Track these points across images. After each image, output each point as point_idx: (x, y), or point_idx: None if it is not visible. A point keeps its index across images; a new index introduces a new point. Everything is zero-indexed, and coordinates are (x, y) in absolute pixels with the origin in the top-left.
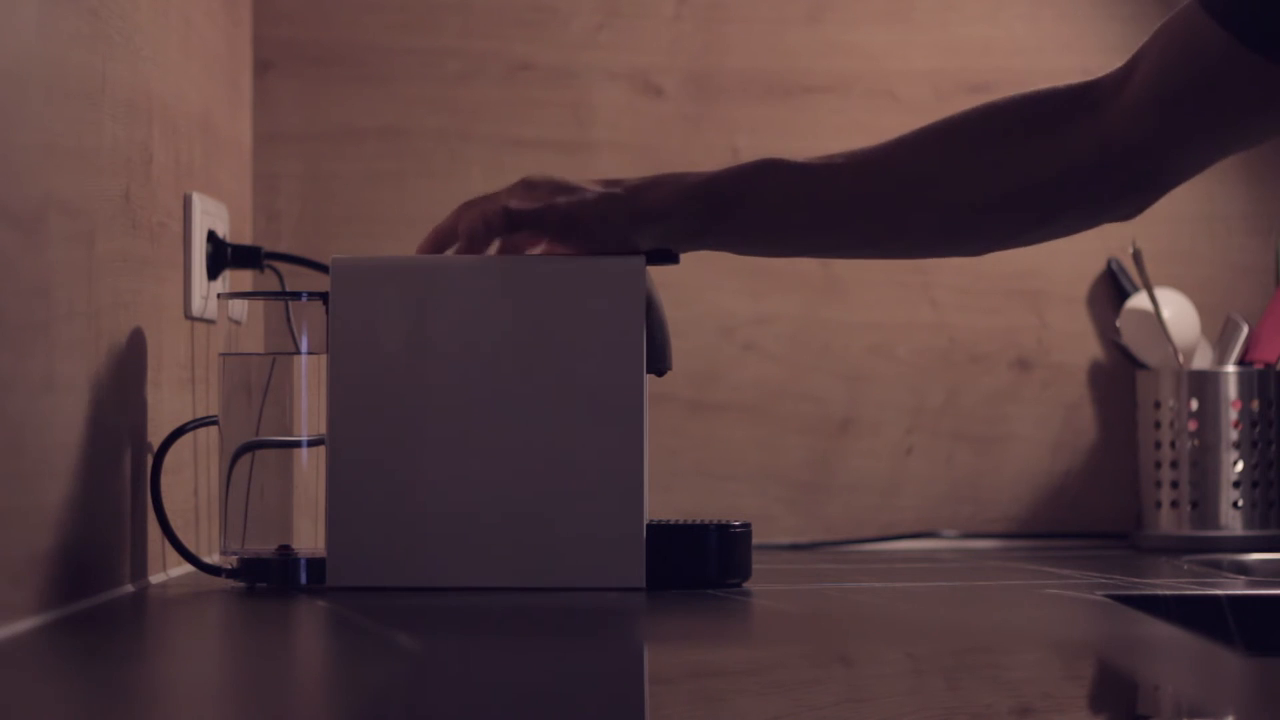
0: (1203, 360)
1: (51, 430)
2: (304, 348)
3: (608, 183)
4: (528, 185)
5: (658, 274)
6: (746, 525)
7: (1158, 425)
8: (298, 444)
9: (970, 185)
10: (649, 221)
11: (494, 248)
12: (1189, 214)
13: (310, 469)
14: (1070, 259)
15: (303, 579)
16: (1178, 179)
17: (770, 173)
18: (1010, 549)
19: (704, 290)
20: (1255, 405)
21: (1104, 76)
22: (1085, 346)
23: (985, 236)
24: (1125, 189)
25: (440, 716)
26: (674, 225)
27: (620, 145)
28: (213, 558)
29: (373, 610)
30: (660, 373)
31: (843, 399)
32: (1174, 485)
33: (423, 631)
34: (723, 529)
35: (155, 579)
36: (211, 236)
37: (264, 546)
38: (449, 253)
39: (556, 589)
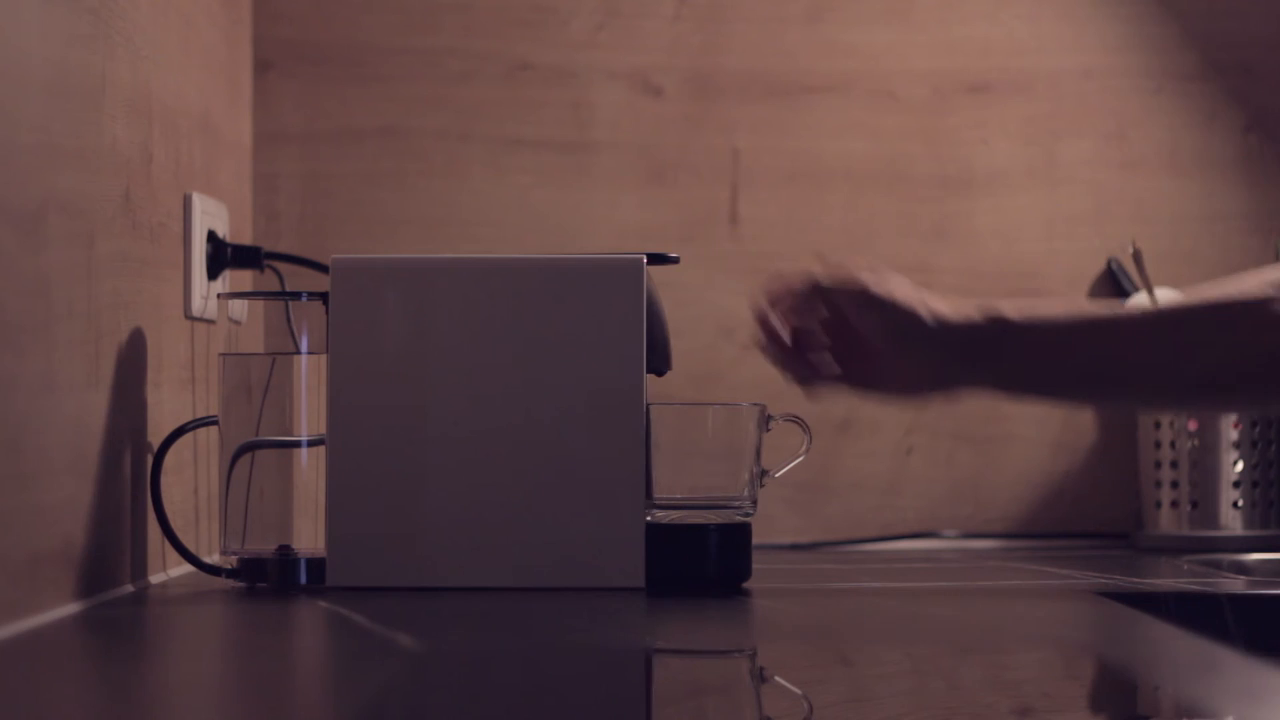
0: None
1: (51, 430)
2: (304, 348)
3: (934, 318)
4: (866, 301)
5: (658, 274)
6: (747, 525)
7: (1158, 425)
8: (298, 444)
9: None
10: (969, 375)
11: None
12: (1189, 214)
13: (310, 469)
14: (1070, 259)
15: (303, 579)
16: None
17: (1078, 317)
18: (1010, 549)
19: (704, 290)
20: None
21: None
22: None
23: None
24: None
25: (440, 716)
26: (995, 374)
27: (620, 145)
28: (213, 558)
29: (373, 610)
30: (660, 373)
31: (843, 399)
32: (1174, 485)
33: (423, 631)
34: (723, 529)
35: (155, 579)
36: (211, 236)
37: (264, 546)
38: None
39: (556, 589)
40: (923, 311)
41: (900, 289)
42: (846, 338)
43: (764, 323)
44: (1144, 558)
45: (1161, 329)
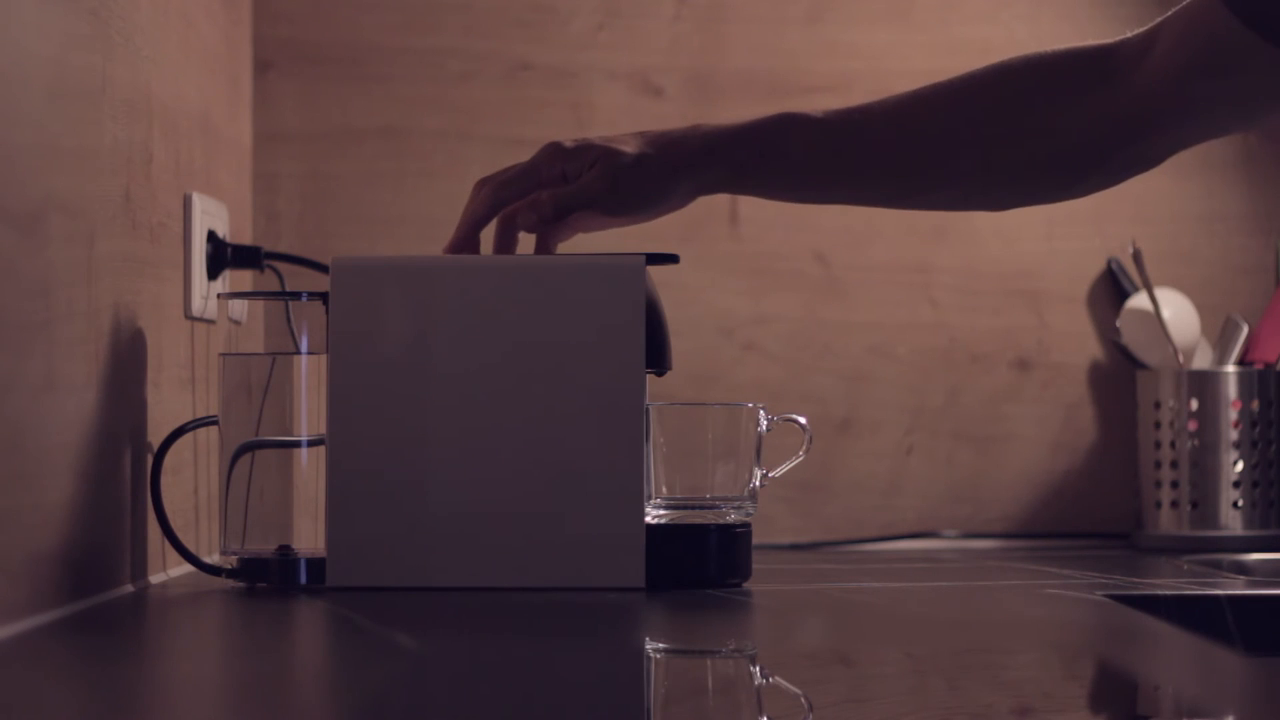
0: (1203, 360)
1: (51, 430)
2: (304, 348)
3: (640, 136)
4: (560, 153)
5: (658, 274)
6: (746, 525)
7: (1158, 425)
8: (298, 444)
9: (988, 151)
10: (681, 178)
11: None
12: (1189, 214)
13: (310, 469)
14: (1070, 259)
15: (303, 579)
16: (1173, 152)
17: (792, 128)
18: (1010, 549)
19: (704, 290)
20: (1255, 405)
21: (1121, 44)
22: (1085, 346)
23: (1004, 199)
24: (1133, 160)
25: (440, 716)
26: (704, 179)
27: None
28: (213, 558)
29: (373, 610)
30: (660, 373)
31: (843, 399)
32: (1174, 485)
33: (423, 631)
34: (723, 529)
35: (155, 579)
36: (211, 236)
37: (264, 546)
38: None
39: (556, 589)
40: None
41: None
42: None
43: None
44: (1144, 558)
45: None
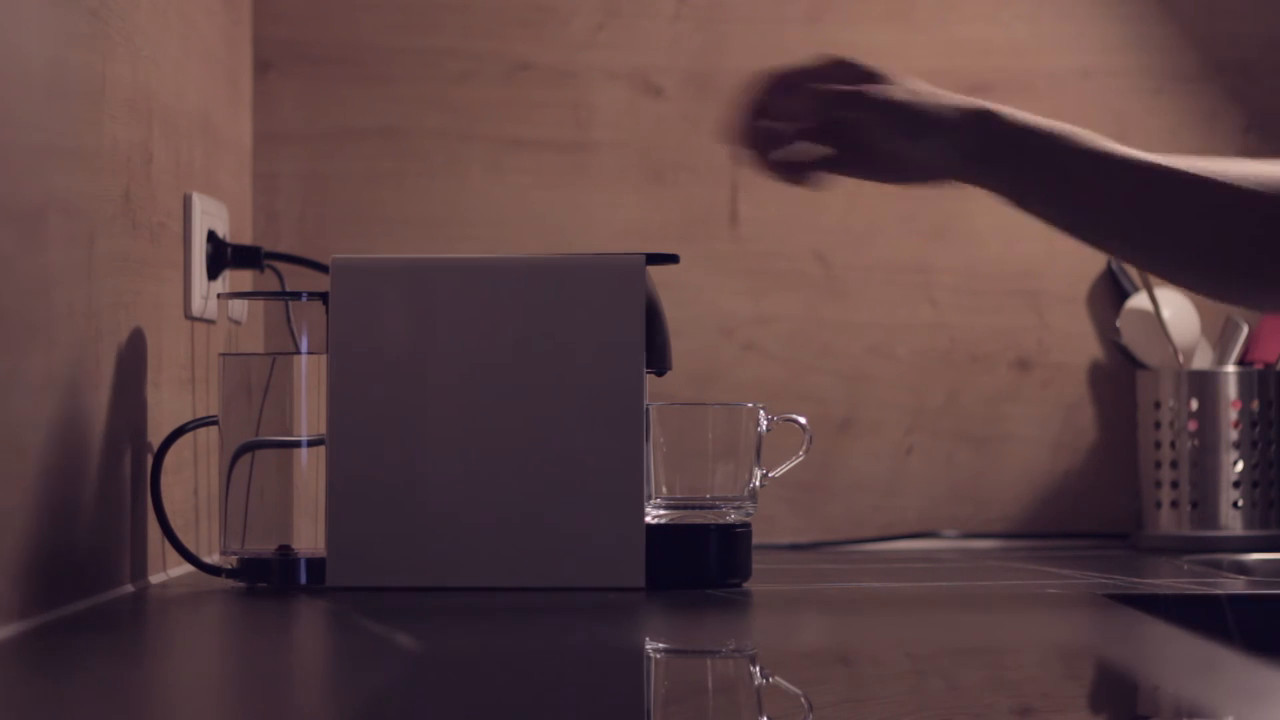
0: (1203, 360)
1: (51, 430)
2: (304, 348)
3: (918, 111)
4: (843, 66)
5: (658, 274)
6: (746, 525)
7: (1158, 425)
8: (298, 444)
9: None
10: (952, 171)
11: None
12: None
13: (310, 469)
14: (1070, 259)
15: (303, 579)
16: None
17: (1075, 139)
18: (1010, 549)
19: (704, 290)
20: (1255, 405)
21: None
22: (1085, 346)
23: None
24: None
25: (440, 716)
26: (968, 173)
27: (620, 145)
28: (213, 558)
29: (373, 610)
30: (660, 373)
31: (843, 399)
32: (1174, 485)
33: (423, 631)
34: (723, 529)
35: (155, 579)
36: (211, 236)
37: (264, 546)
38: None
39: (556, 589)
40: (926, 110)
41: (898, 92)
42: (840, 130)
43: (747, 123)
44: (1144, 558)
45: (1151, 183)
